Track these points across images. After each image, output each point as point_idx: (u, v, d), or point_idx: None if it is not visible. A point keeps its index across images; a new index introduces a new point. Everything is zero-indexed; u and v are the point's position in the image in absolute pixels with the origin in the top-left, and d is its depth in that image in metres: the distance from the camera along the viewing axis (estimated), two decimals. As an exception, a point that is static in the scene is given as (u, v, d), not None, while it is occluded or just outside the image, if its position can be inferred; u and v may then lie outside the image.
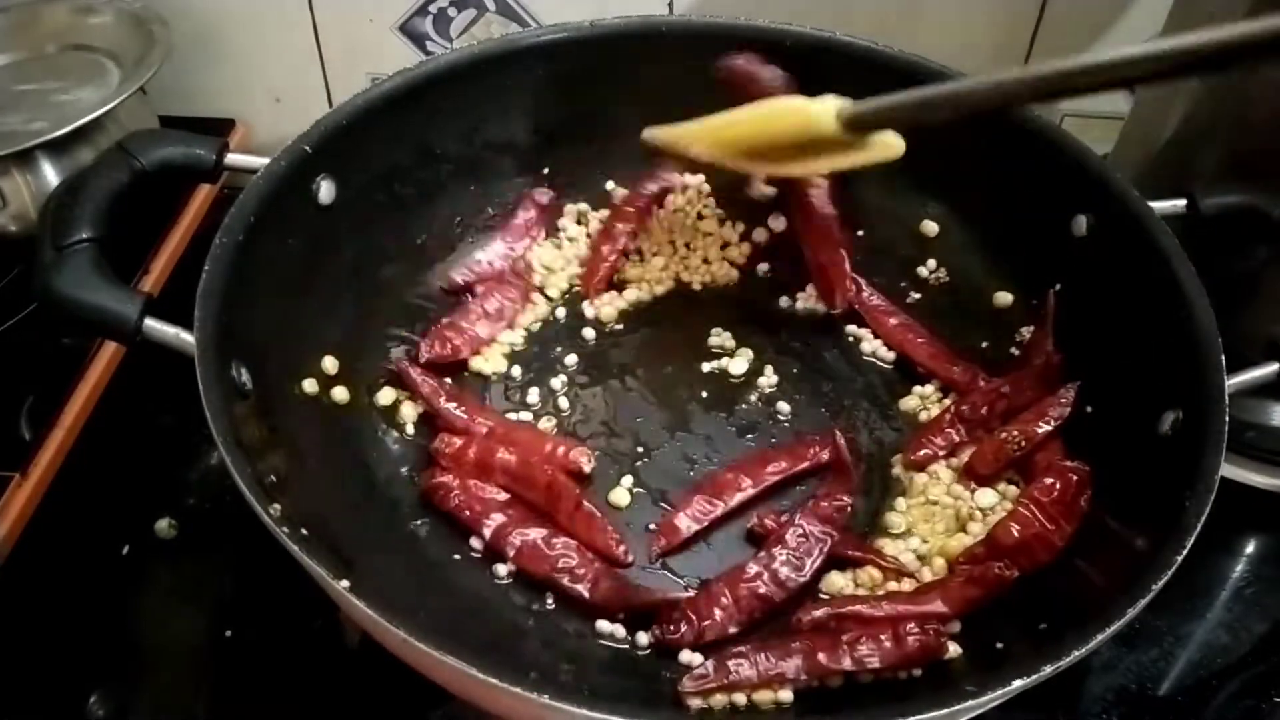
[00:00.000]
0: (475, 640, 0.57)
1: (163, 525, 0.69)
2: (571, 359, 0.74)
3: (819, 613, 0.57)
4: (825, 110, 0.58)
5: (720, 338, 0.76)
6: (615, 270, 0.79)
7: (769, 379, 0.73)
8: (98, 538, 0.69)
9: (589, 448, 0.67)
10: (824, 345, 0.76)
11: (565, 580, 0.60)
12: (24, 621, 0.65)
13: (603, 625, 0.59)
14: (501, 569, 0.62)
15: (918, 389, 0.73)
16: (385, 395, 0.69)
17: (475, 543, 0.62)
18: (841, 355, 0.76)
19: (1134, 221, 0.66)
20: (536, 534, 0.62)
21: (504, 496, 0.64)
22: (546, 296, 0.78)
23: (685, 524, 0.64)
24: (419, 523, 0.64)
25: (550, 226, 0.80)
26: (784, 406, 0.72)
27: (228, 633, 0.64)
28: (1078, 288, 0.71)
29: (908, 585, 0.61)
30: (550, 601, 0.61)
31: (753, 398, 0.73)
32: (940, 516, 0.65)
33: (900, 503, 0.66)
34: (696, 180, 0.82)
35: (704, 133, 0.65)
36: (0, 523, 0.66)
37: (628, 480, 0.67)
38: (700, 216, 0.81)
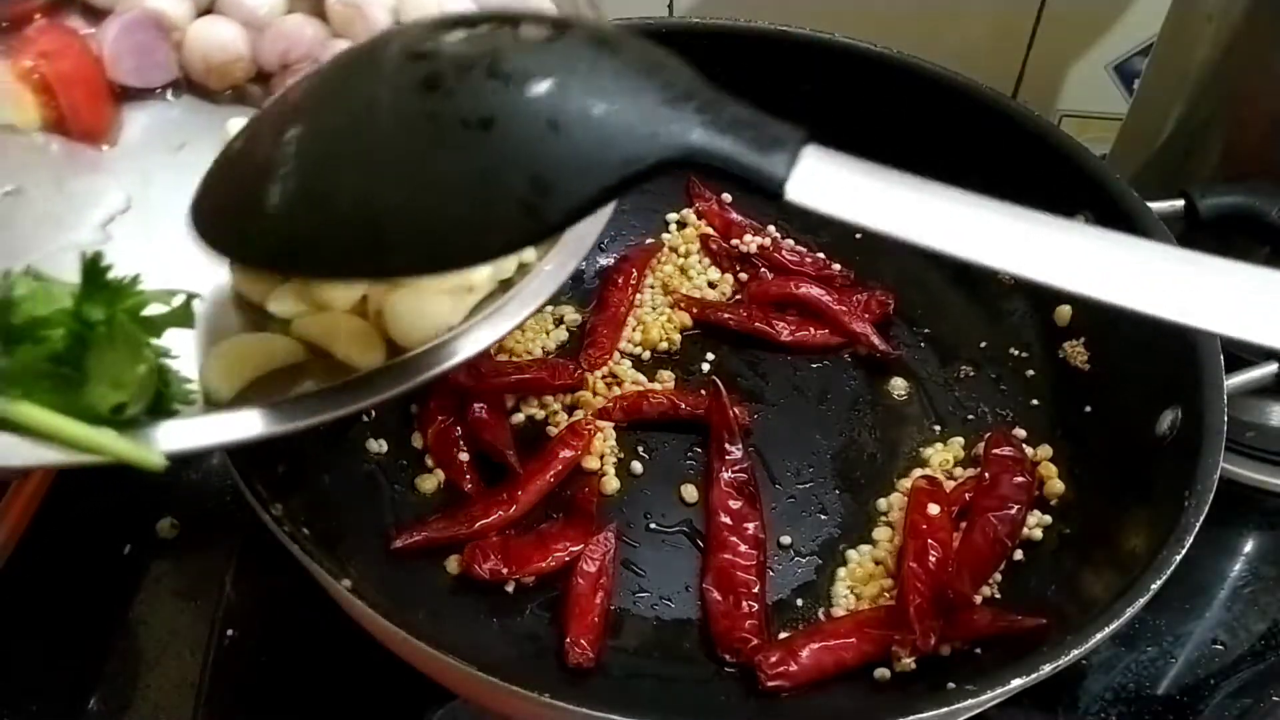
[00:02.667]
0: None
1: (164, 525, 0.69)
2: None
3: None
4: None
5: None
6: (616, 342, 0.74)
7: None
8: (99, 537, 0.69)
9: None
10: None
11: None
12: (25, 621, 0.65)
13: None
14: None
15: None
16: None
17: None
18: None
19: (1132, 222, 0.66)
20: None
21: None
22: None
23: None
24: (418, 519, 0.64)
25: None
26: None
27: (229, 632, 0.64)
28: (1077, 288, 0.71)
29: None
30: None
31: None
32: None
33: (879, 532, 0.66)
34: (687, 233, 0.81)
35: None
36: (2, 522, 0.66)
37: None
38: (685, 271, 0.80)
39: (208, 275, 0.47)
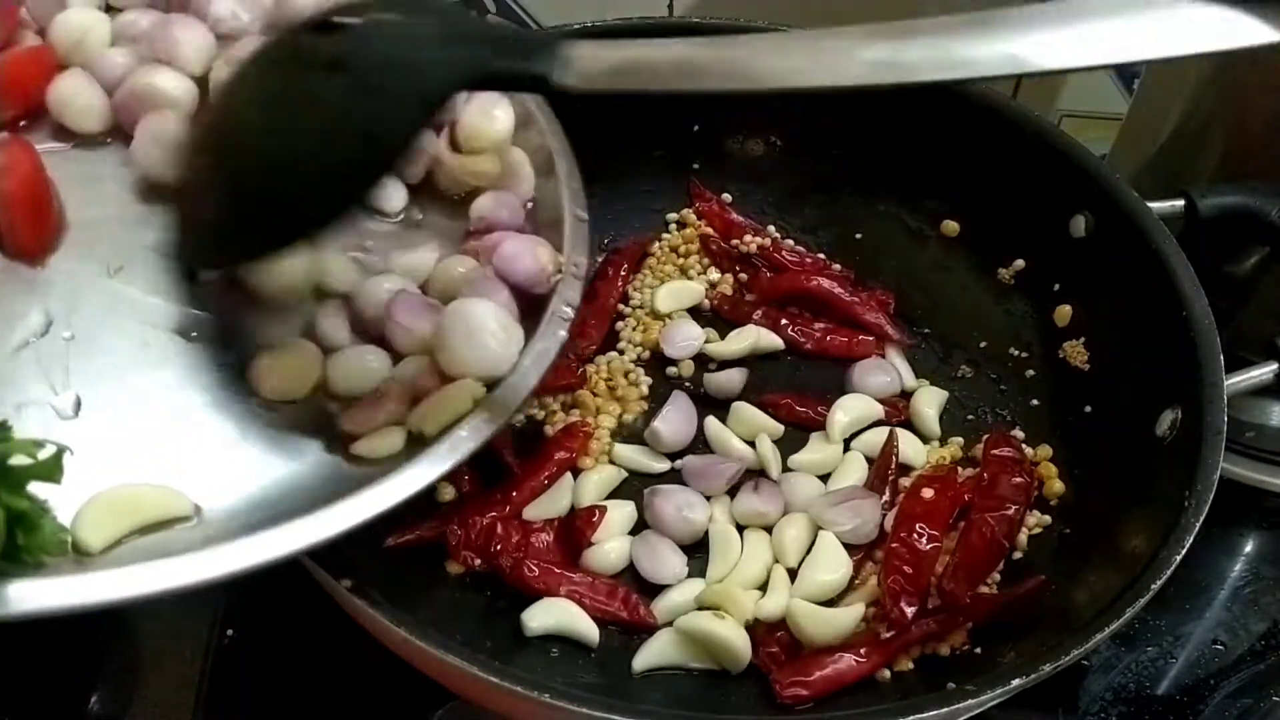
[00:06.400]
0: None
1: (163, 525, 0.69)
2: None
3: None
4: None
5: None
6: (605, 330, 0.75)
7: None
8: (99, 538, 0.69)
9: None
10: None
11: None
12: (25, 621, 0.65)
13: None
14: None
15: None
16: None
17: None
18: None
19: (1132, 222, 0.66)
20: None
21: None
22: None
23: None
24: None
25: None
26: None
27: (229, 632, 0.64)
28: (1076, 288, 0.71)
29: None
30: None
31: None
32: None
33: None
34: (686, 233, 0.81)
35: None
36: (1, 523, 0.66)
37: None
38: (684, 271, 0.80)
39: (109, 396, 0.47)
